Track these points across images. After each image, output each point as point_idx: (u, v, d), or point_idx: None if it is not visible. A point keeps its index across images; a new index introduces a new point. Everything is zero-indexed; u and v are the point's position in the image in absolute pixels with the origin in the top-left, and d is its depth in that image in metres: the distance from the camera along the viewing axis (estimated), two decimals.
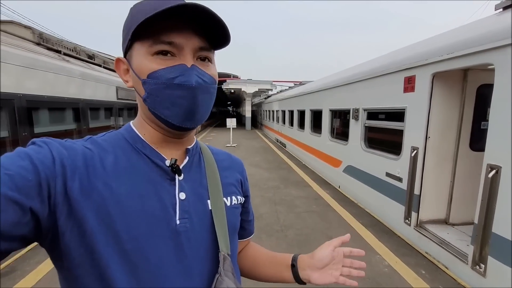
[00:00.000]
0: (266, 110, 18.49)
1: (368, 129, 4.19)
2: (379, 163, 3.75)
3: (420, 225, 2.96)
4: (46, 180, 0.40)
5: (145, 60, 0.47)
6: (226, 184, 0.62)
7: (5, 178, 0.36)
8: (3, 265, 2.48)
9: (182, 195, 0.52)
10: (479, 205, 2.16)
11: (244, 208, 0.69)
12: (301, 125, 8.19)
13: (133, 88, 0.52)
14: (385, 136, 3.92)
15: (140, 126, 0.54)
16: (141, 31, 0.46)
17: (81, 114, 4.65)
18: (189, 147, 0.58)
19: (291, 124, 9.72)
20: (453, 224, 2.94)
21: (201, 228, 0.53)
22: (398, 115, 3.33)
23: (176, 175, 0.53)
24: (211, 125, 26.93)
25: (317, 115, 6.66)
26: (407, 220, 3.10)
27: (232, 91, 20.29)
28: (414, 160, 2.96)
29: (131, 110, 7.02)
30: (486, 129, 2.17)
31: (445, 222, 2.99)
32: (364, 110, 4.17)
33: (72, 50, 5.52)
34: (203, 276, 0.51)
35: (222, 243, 0.53)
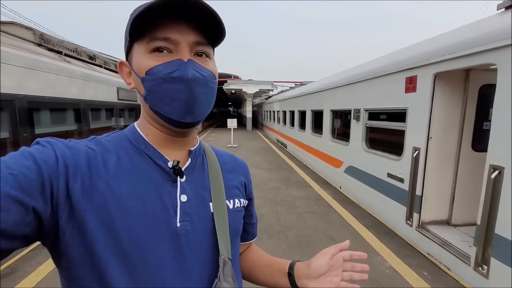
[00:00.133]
0: (267, 111, 18.50)
1: (369, 130, 4.17)
2: (380, 164, 3.73)
3: (422, 226, 2.94)
4: (49, 180, 0.40)
5: (143, 58, 0.48)
6: (229, 186, 0.61)
7: (9, 177, 0.36)
8: (3, 266, 2.48)
9: (184, 197, 0.51)
10: (482, 206, 2.14)
11: (248, 211, 0.69)
12: (302, 125, 8.18)
13: (136, 90, 0.53)
14: (386, 136, 3.90)
15: (143, 127, 0.55)
16: (139, 31, 0.47)
17: (82, 115, 4.66)
18: (192, 148, 0.58)
19: (292, 124, 9.71)
20: (455, 225, 2.92)
21: (202, 231, 0.52)
22: (399, 115, 3.31)
23: (178, 177, 0.52)
24: (212, 125, 26.94)
25: (318, 116, 6.65)
26: (408, 221, 3.09)
27: (233, 91, 20.31)
28: (415, 160, 2.95)
29: (132, 111, 7.03)
30: (488, 130, 2.15)
31: (447, 223, 2.97)
32: (365, 110, 4.16)
33: (73, 51, 5.53)
34: (202, 280, 0.50)
35: (223, 247, 0.52)
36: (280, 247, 2.93)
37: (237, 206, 0.61)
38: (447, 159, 2.88)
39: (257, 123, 25.97)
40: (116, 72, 7.03)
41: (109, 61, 7.30)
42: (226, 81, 19.34)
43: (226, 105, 57.50)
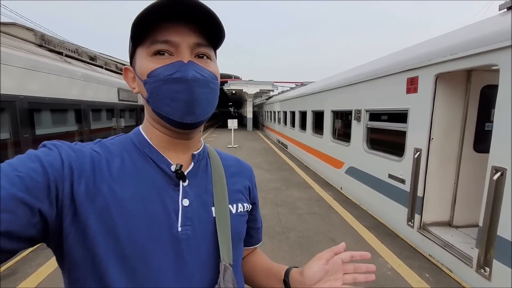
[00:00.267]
0: (267, 111, 18.50)
1: (370, 130, 4.16)
2: (381, 165, 3.72)
3: (423, 228, 2.93)
4: (54, 183, 0.41)
5: (145, 61, 0.48)
6: (233, 190, 0.60)
7: (16, 180, 0.37)
8: (4, 267, 2.48)
9: (186, 202, 0.51)
10: (484, 208, 2.13)
11: (252, 215, 0.68)
12: (303, 126, 8.17)
13: (140, 94, 0.53)
14: (387, 137, 3.89)
15: (147, 130, 0.55)
16: (140, 35, 0.48)
17: (83, 115, 4.66)
18: (195, 152, 0.57)
19: (293, 125, 9.70)
20: (456, 227, 2.91)
21: (204, 235, 0.51)
22: (400, 116, 3.30)
23: (181, 181, 0.52)
24: (212, 126, 26.97)
25: (318, 116, 6.64)
26: (410, 222, 3.07)
27: (234, 92, 20.31)
28: (417, 161, 2.93)
29: (133, 112, 7.03)
30: (490, 131, 2.14)
31: (448, 224, 2.96)
32: (366, 111, 4.15)
33: (74, 51, 5.54)
34: (203, 285, 0.49)
35: (224, 252, 0.52)
36: (281, 248, 2.92)
37: (240, 211, 0.60)
38: (449, 160, 2.87)
39: (257, 124, 25.98)
40: (116, 72, 7.04)
41: (110, 62, 7.31)
42: (226, 82, 19.35)
43: (227, 105, 57.62)
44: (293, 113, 9.71)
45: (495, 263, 2.05)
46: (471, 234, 2.70)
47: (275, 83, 19.54)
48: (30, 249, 2.76)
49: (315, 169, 6.81)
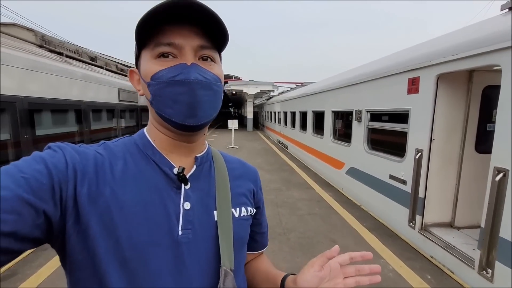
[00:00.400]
0: (267, 112, 18.49)
1: (371, 131, 4.15)
2: (382, 165, 3.71)
3: (424, 229, 2.92)
4: (58, 184, 0.41)
5: (149, 63, 0.49)
6: (236, 194, 0.59)
7: (22, 181, 0.38)
8: (3, 268, 2.47)
9: (187, 205, 0.51)
10: (486, 209, 2.12)
11: (256, 219, 0.67)
12: (303, 126, 8.16)
13: (144, 95, 0.53)
14: (388, 138, 3.88)
15: (151, 132, 0.55)
16: (145, 38, 0.48)
17: (83, 116, 4.66)
18: (198, 155, 0.57)
19: (293, 125, 9.70)
20: (458, 228, 2.90)
21: (204, 240, 0.51)
22: (402, 116, 3.29)
23: (183, 184, 0.52)
24: (212, 126, 26.96)
25: (319, 117, 6.63)
26: (411, 223, 3.06)
27: (234, 92, 20.32)
28: (418, 162, 2.92)
29: (133, 112, 7.03)
30: (492, 131, 2.13)
31: (450, 225, 2.95)
32: (367, 111, 4.14)
33: (74, 52, 5.54)
34: None
35: (225, 257, 0.51)
36: (281, 249, 2.90)
37: (244, 215, 0.59)
38: (450, 161, 2.86)
39: (258, 124, 25.97)
40: (117, 73, 7.04)
41: (110, 62, 7.31)
42: (227, 82, 19.36)
43: (227, 106, 57.69)
44: (293, 114, 9.70)
45: (498, 264, 2.04)
46: (472, 235, 2.69)
47: (275, 84, 19.55)
48: (30, 250, 2.75)
49: (315, 170, 6.79)
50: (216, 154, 0.64)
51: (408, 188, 3.12)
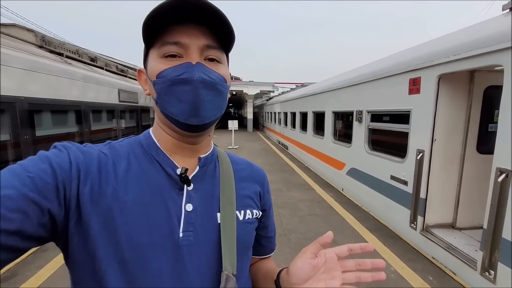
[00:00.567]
0: (268, 112, 18.49)
1: (372, 131, 4.14)
2: (383, 166, 3.70)
3: (426, 230, 2.90)
4: (63, 184, 0.41)
5: (155, 62, 0.49)
6: (242, 196, 0.58)
7: (27, 180, 0.38)
8: (3, 270, 2.46)
9: (189, 207, 0.50)
10: (489, 210, 2.11)
11: (262, 222, 0.64)
12: (304, 127, 8.14)
13: (150, 95, 0.53)
14: (389, 138, 3.87)
15: (156, 132, 0.55)
16: (152, 37, 0.48)
17: (83, 116, 4.65)
18: (202, 155, 0.56)
19: (293, 126, 9.68)
20: (460, 229, 2.88)
21: (206, 243, 0.49)
22: (403, 117, 3.28)
23: (185, 185, 0.51)
24: None
25: (319, 117, 6.62)
26: (413, 224, 3.05)
27: (234, 93, 20.33)
28: (419, 163, 2.91)
29: (133, 113, 7.02)
30: (493, 132, 2.12)
31: (452, 226, 2.93)
32: (368, 112, 4.13)
33: (75, 52, 5.53)
34: None
35: (227, 261, 0.49)
36: (282, 250, 2.89)
37: (249, 218, 0.57)
38: (452, 161, 2.85)
39: (258, 125, 25.97)
40: (117, 73, 7.03)
41: (111, 63, 7.30)
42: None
43: (227, 106, 57.87)
44: (293, 114, 9.69)
45: (500, 266, 2.02)
46: (475, 236, 2.68)
47: (275, 84, 19.55)
48: (30, 251, 2.74)
49: (316, 170, 6.78)
50: (222, 155, 0.63)
51: (409, 188, 3.11)
